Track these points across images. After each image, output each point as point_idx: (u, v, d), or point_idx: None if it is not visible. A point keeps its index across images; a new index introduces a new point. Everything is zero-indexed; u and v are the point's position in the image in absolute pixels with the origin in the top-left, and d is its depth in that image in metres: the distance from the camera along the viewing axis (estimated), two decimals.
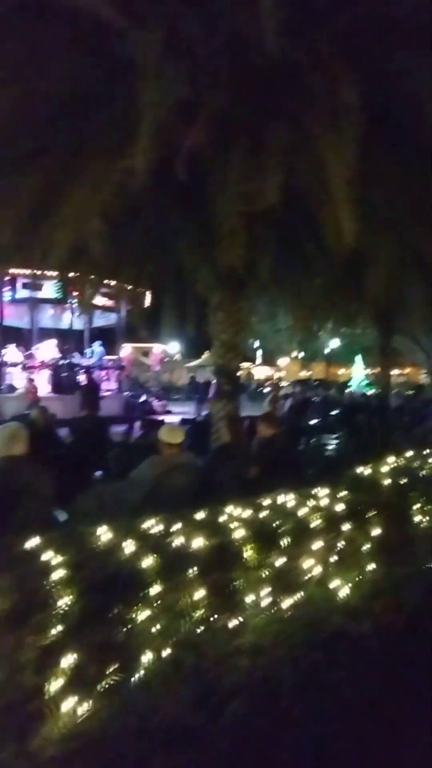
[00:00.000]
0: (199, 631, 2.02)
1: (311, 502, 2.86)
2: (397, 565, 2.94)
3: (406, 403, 15.11)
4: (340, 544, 2.70)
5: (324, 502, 2.84)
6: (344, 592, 2.53)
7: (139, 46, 3.56)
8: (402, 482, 3.56)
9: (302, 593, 2.39)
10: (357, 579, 2.60)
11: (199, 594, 1.98)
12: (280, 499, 2.82)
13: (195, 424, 7.84)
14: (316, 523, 2.62)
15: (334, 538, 2.66)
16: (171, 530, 2.20)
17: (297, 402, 13.87)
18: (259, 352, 37.02)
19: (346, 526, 2.75)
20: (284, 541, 2.42)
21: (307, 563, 2.49)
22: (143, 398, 16.45)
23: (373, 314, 12.31)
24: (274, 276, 6.84)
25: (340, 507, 2.83)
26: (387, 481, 3.56)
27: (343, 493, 3.09)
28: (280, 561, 2.35)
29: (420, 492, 3.55)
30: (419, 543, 3.27)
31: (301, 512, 2.67)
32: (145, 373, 26.23)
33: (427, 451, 4.63)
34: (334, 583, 2.56)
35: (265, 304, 8.93)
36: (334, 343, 23.62)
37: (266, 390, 22.62)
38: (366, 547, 2.83)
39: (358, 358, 24.78)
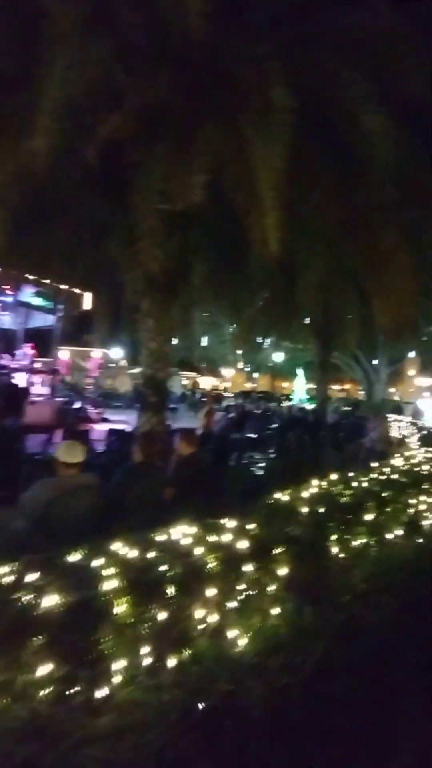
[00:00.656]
0: (47, 712, 1.62)
1: (213, 537, 2.53)
2: (307, 606, 2.67)
3: (342, 419, 15.35)
4: (242, 588, 2.39)
5: (226, 537, 2.51)
6: (241, 645, 2.22)
7: (51, 12, 3.16)
8: (320, 511, 3.32)
9: (188, 652, 2.05)
10: (257, 629, 2.29)
11: (46, 668, 1.58)
12: (177, 533, 2.47)
13: (120, 436, 7.37)
14: (213, 564, 2.28)
15: (233, 582, 2.34)
16: (24, 581, 1.78)
17: (236, 414, 13.67)
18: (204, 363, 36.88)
19: (248, 567, 2.43)
20: (171, 589, 2.06)
21: (199, 613, 2.16)
22: (78, 405, 15.66)
23: (312, 329, 12.41)
24: (210, 285, 6.56)
25: (243, 544, 2.51)
26: (304, 509, 3.31)
27: (252, 525, 2.78)
28: (162, 614, 1.99)
29: (338, 521, 3.33)
30: (334, 579, 3.03)
31: (198, 551, 2.33)
32: (85, 378, 25.26)
33: (352, 474, 4.46)
34: (231, 634, 2.24)
35: (204, 313, 8.65)
36: (279, 356, 23.83)
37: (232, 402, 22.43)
38: (272, 588, 2.54)
39: (300, 372, 25.19)
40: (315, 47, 3.97)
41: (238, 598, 2.36)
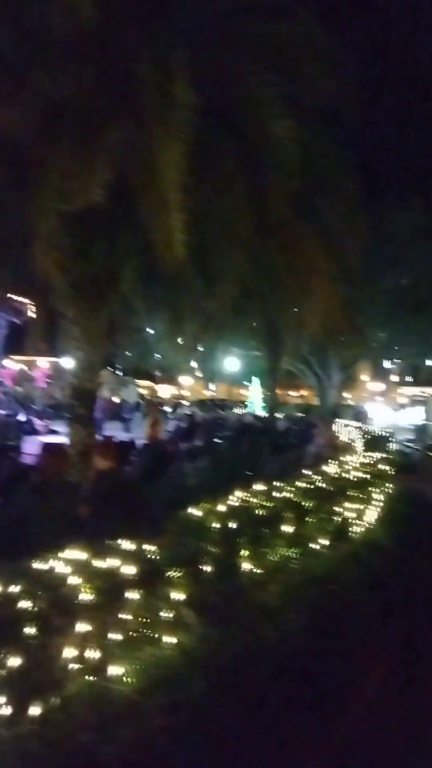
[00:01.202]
0: None
1: (101, 562, 2.31)
2: (212, 628, 2.49)
3: (293, 425, 15.44)
4: (129, 617, 2.18)
5: (113, 563, 2.30)
6: (122, 682, 2.01)
7: None
8: (232, 525, 3.16)
9: (57, 697, 1.82)
10: (142, 663, 2.09)
11: None
12: (58, 561, 2.23)
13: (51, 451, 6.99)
14: (91, 593, 2.07)
15: (117, 611, 2.13)
16: None
17: (186, 423, 13.47)
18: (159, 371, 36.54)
19: (136, 593, 2.23)
20: (33, 628, 1.83)
21: (71, 652, 1.94)
22: (22, 417, 15.03)
23: (260, 337, 12.40)
24: (143, 292, 6.35)
25: (133, 568, 2.31)
26: (216, 524, 3.14)
27: (152, 546, 2.58)
28: (19, 657, 1.76)
29: (251, 535, 3.18)
30: (243, 597, 2.87)
31: (75, 580, 2.11)
32: (35, 389, 24.38)
33: (278, 483, 4.34)
34: (112, 672, 2.03)
35: (138, 321, 8.40)
36: (233, 364, 23.84)
37: (166, 408, 22.08)
38: (167, 615, 2.35)
39: (255, 380, 25.28)
40: (227, 50, 3.88)
41: (124, 629, 2.15)
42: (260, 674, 2.22)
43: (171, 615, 2.37)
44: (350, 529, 4.47)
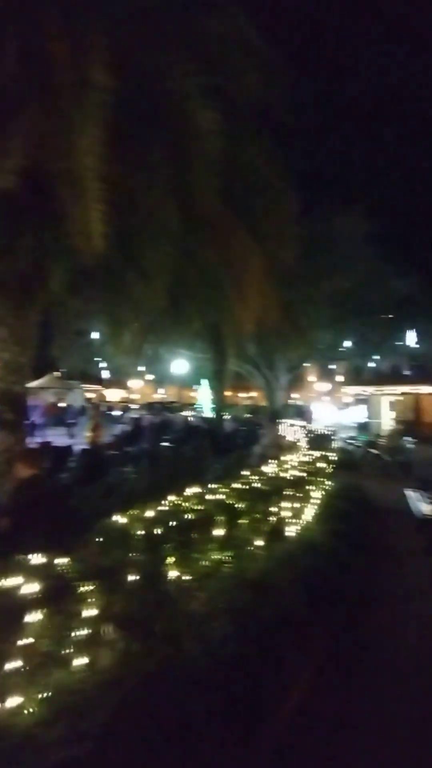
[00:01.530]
0: None
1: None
2: (132, 644, 2.32)
3: (241, 426, 15.47)
4: (30, 641, 1.98)
5: (15, 581, 2.09)
6: (19, 713, 1.81)
7: None
8: (157, 532, 3.01)
9: None
10: (42, 690, 1.90)
11: None
12: None
13: None
14: None
15: (13, 637, 1.92)
16: None
17: (131, 427, 13.17)
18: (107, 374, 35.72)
19: (38, 613, 2.03)
20: None
21: None
22: None
23: (205, 338, 12.30)
24: (76, 291, 6.06)
25: (36, 585, 2.11)
26: (141, 532, 2.98)
27: (63, 560, 2.38)
28: None
29: (177, 542, 3.04)
30: (169, 607, 2.72)
31: None
32: None
33: (213, 485, 4.23)
34: (9, 702, 1.82)
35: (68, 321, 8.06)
36: (181, 366, 23.60)
37: (115, 412, 21.55)
38: (78, 633, 2.16)
39: (205, 382, 25.23)
40: (152, 39, 3.74)
41: (26, 654, 1.95)
42: (179, 691, 2.08)
43: (84, 633, 2.18)
44: (286, 528, 4.43)
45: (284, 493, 4.50)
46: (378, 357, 24.01)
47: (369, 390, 23.03)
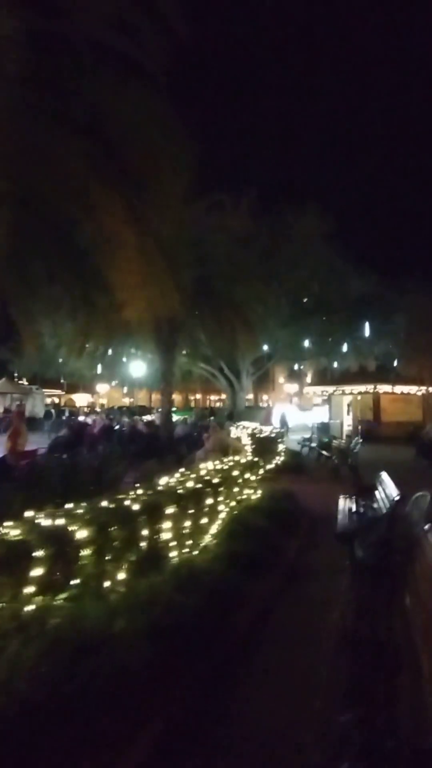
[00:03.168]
0: None
1: None
2: None
3: (192, 430, 14.77)
4: None
5: None
6: None
7: None
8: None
9: None
10: None
11: None
12: None
13: None
14: None
15: None
16: None
17: (70, 432, 12.31)
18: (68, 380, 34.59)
19: None
20: None
21: None
22: None
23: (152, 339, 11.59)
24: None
25: None
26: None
27: None
28: None
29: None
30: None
31: None
32: None
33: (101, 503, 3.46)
34: None
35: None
36: (139, 369, 22.76)
37: (80, 418, 20.55)
38: None
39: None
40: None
41: None
42: None
43: None
44: (168, 554, 3.73)
45: (167, 511, 3.78)
46: (340, 357, 23.67)
47: (329, 390, 22.65)
